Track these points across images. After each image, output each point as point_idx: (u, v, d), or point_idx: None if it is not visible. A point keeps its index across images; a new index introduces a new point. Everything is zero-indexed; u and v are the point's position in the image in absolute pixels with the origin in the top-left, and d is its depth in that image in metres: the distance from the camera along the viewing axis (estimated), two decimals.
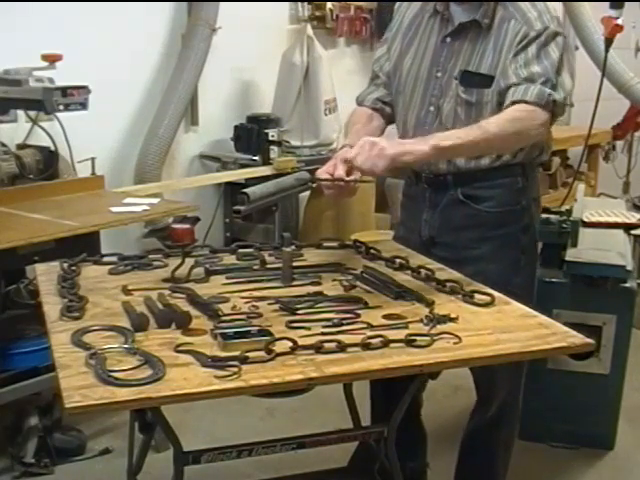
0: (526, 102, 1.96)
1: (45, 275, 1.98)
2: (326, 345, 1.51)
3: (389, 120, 2.29)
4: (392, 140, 1.91)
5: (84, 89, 2.93)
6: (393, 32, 2.26)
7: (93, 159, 3.20)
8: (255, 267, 2.02)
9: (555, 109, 1.99)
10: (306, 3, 4.47)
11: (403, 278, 1.95)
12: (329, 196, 1.99)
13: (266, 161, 4.08)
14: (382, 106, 2.28)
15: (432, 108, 2.14)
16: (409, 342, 1.55)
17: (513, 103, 1.97)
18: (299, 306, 1.73)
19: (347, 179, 1.91)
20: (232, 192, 4.08)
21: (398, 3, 2.27)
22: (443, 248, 2.19)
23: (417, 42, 2.18)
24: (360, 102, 2.31)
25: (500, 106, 2.03)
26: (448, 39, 2.11)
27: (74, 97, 2.89)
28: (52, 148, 3.17)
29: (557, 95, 1.97)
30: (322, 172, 1.96)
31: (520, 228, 2.21)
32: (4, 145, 3.07)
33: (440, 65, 2.12)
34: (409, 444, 2.38)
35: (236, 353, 1.46)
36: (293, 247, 2.02)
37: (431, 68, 2.14)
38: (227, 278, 1.95)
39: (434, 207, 2.20)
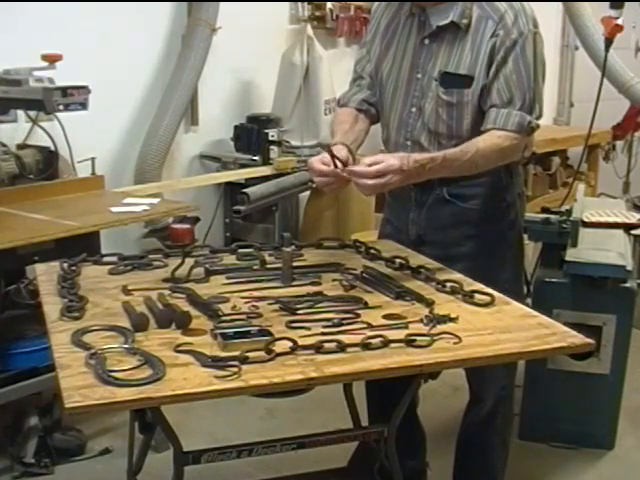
0: (507, 130, 2.03)
1: (45, 275, 1.98)
2: (326, 345, 1.51)
3: (372, 120, 2.30)
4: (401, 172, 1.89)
5: (84, 89, 2.93)
6: (371, 35, 2.26)
7: (93, 159, 3.20)
8: (255, 267, 2.02)
9: (531, 132, 2.09)
10: (306, 3, 4.47)
11: (403, 278, 1.95)
12: (319, 184, 1.98)
13: (266, 161, 4.07)
14: (368, 107, 2.28)
15: (414, 109, 2.16)
16: (409, 342, 1.55)
17: (494, 129, 2.04)
18: (299, 306, 1.73)
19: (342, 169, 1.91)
20: (232, 192, 4.07)
21: (374, 7, 2.28)
22: (431, 246, 2.21)
23: (395, 44, 2.18)
24: (344, 104, 2.31)
25: (480, 107, 2.07)
26: (426, 41, 2.12)
27: (74, 97, 2.89)
28: (52, 148, 3.17)
29: (534, 120, 2.07)
30: (316, 160, 1.95)
31: (506, 224, 2.24)
32: (4, 145, 3.06)
33: (420, 67, 2.13)
34: (407, 443, 2.37)
35: (236, 353, 1.46)
36: (293, 247, 2.02)
37: (411, 70, 2.15)
38: (227, 278, 1.95)
39: (420, 206, 2.22)
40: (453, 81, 2.07)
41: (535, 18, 2.07)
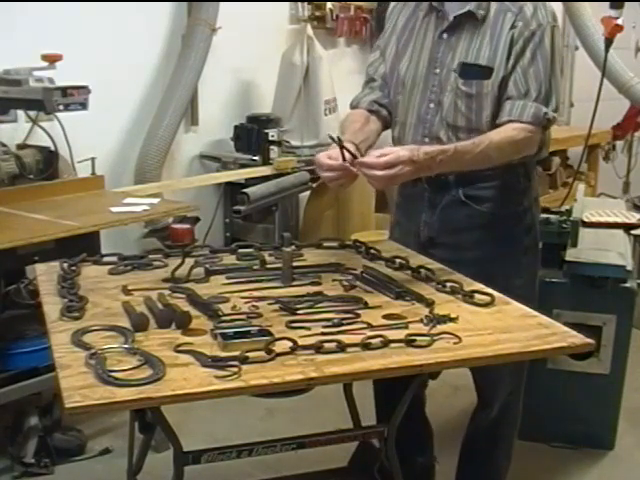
0: (522, 122, 2.02)
1: (45, 275, 1.98)
2: (326, 345, 1.51)
3: (385, 123, 2.26)
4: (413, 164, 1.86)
5: (84, 89, 2.93)
6: (387, 36, 2.25)
7: (93, 159, 3.20)
8: (255, 267, 2.01)
9: (548, 124, 2.07)
10: (306, 3, 4.47)
11: (403, 278, 1.95)
12: (326, 180, 1.94)
13: (266, 161, 4.07)
14: (378, 108, 2.24)
15: (432, 105, 2.13)
16: (409, 342, 1.55)
17: (510, 121, 2.03)
18: (299, 306, 1.73)
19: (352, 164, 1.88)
20: (232, 192, 4.08)
21: (390, 8, 2.28)
22: (443, 249, 2.17)
23: (413, 43, 2.18)
24: (355, 105, 2.28)
25: (500, 99, 2.06)
26: (445, 35, 2.11)
27: (74, 97, 2.90)
28: (52, 148, 3.17)
29: (550, 112, 2.04)
30: (323, 156, 1.93)
31: (523, 229, 2.21)
32: (4, 145, 3.07)
33: (438, 61, 2.12)
34: (417, 440, 2.39)
35: (236, 353, 1.46)
36: (293, 247, 2.02)
37: (429, 65, 2.14)
38: (227, 278, 1.95)
39: (434, 208, 2.18)
40: (472, 72, 2.06)
41: (554, 12, 2.07)
